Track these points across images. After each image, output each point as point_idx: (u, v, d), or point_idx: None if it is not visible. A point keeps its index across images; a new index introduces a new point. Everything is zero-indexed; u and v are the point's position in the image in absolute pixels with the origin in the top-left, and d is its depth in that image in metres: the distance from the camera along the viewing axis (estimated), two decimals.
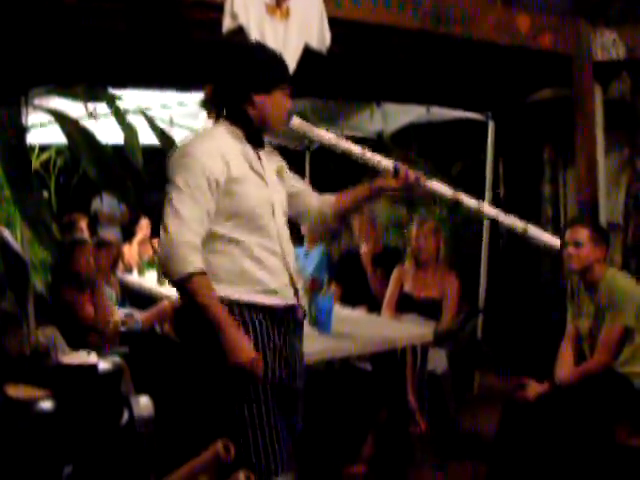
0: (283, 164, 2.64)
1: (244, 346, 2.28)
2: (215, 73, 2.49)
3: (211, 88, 2.52)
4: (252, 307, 2.37)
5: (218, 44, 3.01)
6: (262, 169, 2.45)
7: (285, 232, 2.51)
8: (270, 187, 2.46)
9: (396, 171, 2.55)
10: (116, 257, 5.58)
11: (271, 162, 2.55)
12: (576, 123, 4.30)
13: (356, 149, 2.58)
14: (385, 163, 2.56)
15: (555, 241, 2.48)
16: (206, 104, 2.54)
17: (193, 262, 2.23)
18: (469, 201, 2.42)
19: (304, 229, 5.48)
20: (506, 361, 5.60)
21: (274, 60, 2.50)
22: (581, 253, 3.38)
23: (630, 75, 5.28)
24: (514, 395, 3.44)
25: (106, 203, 7.35)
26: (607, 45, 4.21)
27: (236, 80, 2.42)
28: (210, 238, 2.35)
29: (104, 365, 2.82)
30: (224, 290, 2.33)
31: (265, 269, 2.38)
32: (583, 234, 3.40)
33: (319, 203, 2.72)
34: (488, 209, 2.48)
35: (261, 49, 2.62)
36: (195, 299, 2.26)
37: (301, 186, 2.74)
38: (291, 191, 2.65)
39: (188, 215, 2.26)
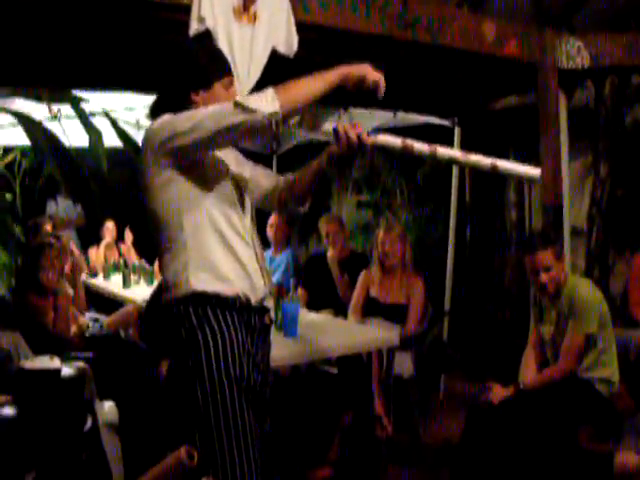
0: (237, 153, 2.59)
1: (350, 66, 2.34)
2: (156, 80, 2.41)
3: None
4: (226, 307, 2.26)
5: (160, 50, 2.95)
6: (221, 163, 2.39)
7: (252, 226, 2.45)
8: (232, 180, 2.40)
9: (337, 135, 2.33)
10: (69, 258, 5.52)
11: (228, 154, 2.48)
12: (541, 130, 4.35)
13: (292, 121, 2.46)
14: (327, 129, 2.38)
15: (533, 170, 2.20)
16: (152, 114, 2.42)
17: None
18: (420, 147, 2.28)
19: (270, 233, 5.48)
20: (472, 364, 5.64)
21: (208, 54, 2.41)
22: (552, 275, 3.42)
23: (594, 83, 5.37)
24: (479, 399, 3.47)
25: (62, 206, 7.25)
26: (572, 53, 4.25)
27: (173, 83, 2.36)
28: (187, 220, 2.25)
29: (67, 370, 2.79)
30: (205, 281, 2.24)
31: (238, 261, 2.30)
32: (549, 257, 3.42)
33: (280, 179, 2.64)
34: (444, 151, 2.27)
35: (192, 46, 2.55)
36: (298, 99, 2.24)
37: (259, 168, 2.66)
38: (252, 174, 2.59)
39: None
